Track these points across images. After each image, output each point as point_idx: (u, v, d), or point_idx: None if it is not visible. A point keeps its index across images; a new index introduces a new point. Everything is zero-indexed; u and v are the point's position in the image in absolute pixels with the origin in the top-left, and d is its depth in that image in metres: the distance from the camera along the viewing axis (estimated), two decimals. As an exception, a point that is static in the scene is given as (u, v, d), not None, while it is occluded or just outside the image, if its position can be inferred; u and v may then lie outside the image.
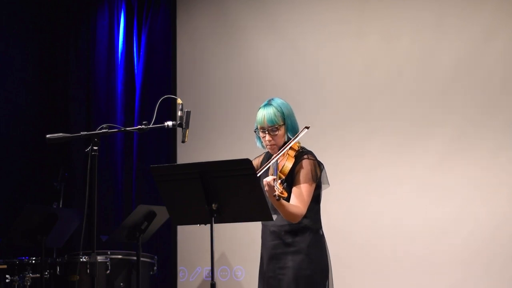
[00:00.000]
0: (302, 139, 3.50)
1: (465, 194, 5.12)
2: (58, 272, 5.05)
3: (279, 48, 5.88)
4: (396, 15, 5.47)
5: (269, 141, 3.50)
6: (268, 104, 3.54)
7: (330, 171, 3.58)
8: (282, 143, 3.51)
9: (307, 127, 3.42)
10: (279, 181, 3.30)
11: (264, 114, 3.50)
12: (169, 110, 6.02)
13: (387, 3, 5.53)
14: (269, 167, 3.47)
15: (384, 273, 5.28)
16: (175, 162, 6.18)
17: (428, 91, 5.30)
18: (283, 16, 5.90)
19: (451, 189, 5.16)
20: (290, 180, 3.45)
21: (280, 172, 3.37)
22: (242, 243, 5.65)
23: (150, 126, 3.48)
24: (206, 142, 6.07)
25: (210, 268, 3.26)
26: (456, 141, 5.18)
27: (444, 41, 5.28)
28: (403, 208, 5.28)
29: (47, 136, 3.42)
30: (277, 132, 3.50)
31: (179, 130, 3.52)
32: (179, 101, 3.50)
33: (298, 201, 3.40)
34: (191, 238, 6.09)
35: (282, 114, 3.51)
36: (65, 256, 5.12)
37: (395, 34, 5.45)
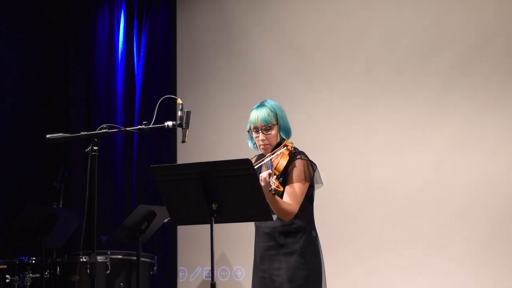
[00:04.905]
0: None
1: (467, 191, 5.12)
2: (58, 272, 5.05)
3: (279, 48, 5.88)
4: (397, 13, 5.47)
5: (263, 140, 3.53)
6: (261, 105, 3.59)
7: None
8: (275, 143, 3.55)
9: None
10: (275, 176, 3.33)
11: (258, 114, 3.54)
12: (169, 110, 6.02)
13: (388, 2, 5.53)
14: (261, 165, 3.50)
15: (385, 268, 5.29)
16: (175, 162, 6.18)
17: (429, 89, 5.30)
18: (283, 16, 5.91)
19: (453, 187, 5.15)
20: (283, 180, 3.47)
21: (275, 169, 3.40)
22: (242, 243, 5.64)
23: (150, 126, 3.48)
24: (206, 142, 6.07)
25: (210, 268, 3.26)
26: (457, 138, 5.17)
27: (445, 38, 5.29)
28: (404, 208, 5.28)
29: (47, 136, 3.41)
30: (270, 132, 3.53)
31: (179, 130, 3.52)
32: (179, 101, 3.51)
33: (290, 199, 3.42)
34: (191, 238, 6.09)
35: (276, 114, 3.55)
36: (65, 256, 5.12)
37: (396, 32, 5.45)
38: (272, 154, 3.47)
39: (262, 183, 3.27)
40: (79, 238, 5.74)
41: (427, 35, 5.35)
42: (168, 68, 6.49)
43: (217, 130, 6.08)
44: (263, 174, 3.31)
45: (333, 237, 5.27)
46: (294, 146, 3.55)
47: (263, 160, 3.50)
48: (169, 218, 3.45)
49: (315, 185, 3.56)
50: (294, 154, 3.51)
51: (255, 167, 3.44)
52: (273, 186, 3.25)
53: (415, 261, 5.19)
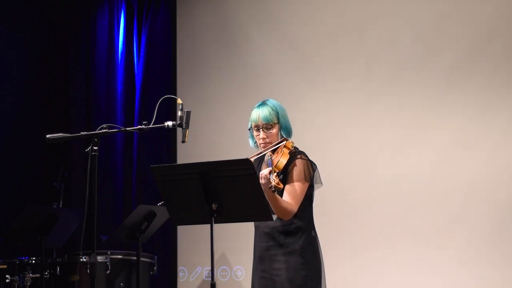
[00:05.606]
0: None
1: (468, 190, 5.11)
2: (58, 272, 5.05)
3: (279, 48, 5.88)
4: (397, 13, 5.47)
5: (263, 139, 3.54)
6: (263, 103, 3.61)
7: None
8: (275, 142, 3.55)
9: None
10: (275, 173, 3.33)
11: (259, 112, 3.56)
12: (169, 110, 6.02)
13: (388, 2, 5.52)
14: (260, 159, 3.52)
15: (385, 267, 5.29)
16: (175, 162, 6.18)
17: (429, 88, 5.30)
18: (283, 16, 5.90)
19: (454, 186, 5.15)
20: (283, 178, 3.47)
21: (275, 167, 3.41)
22: (242, 243, 5.63)
23: (150, 126, 3.48)
24: (206, 142, 6.07)
25: (210, 268, 3.26)
26: (458, 137, 5.17)
27: (445, 38, 5.29)
28: (404, 208, 5.29)
29: (47, 136, 3.41)
30: (271, 130, 3.54)
31: (179, 130, 3.52)
32: (179, 101, 3.51)
33: (290, 198, 3.43)
34: (191, 238, 6.09)
35: (277, 113, 3.57)
36: (65, 256, 5.12)
37: (396, 32, 5.44)
38: (271, 149, 3.48)
39: (263, 181, 3.28)
40: (79, 238, 5.74)
41: (427, 35, 5.35)
42: (168, 68, 6.49)
43: (217, 130, 6.08)
44: (264, 171, 3.33)
45: (333, 237, 5.27)
46: (294, 145, 3.56)
47: (262, 153, 3.50)
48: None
49: (315, 185, 3.57)
50: (295, 153, 3.52)
51: (254, 158, 3.46)
52: (273, 183, 3.25)
53: (415, 261, 5.19)
